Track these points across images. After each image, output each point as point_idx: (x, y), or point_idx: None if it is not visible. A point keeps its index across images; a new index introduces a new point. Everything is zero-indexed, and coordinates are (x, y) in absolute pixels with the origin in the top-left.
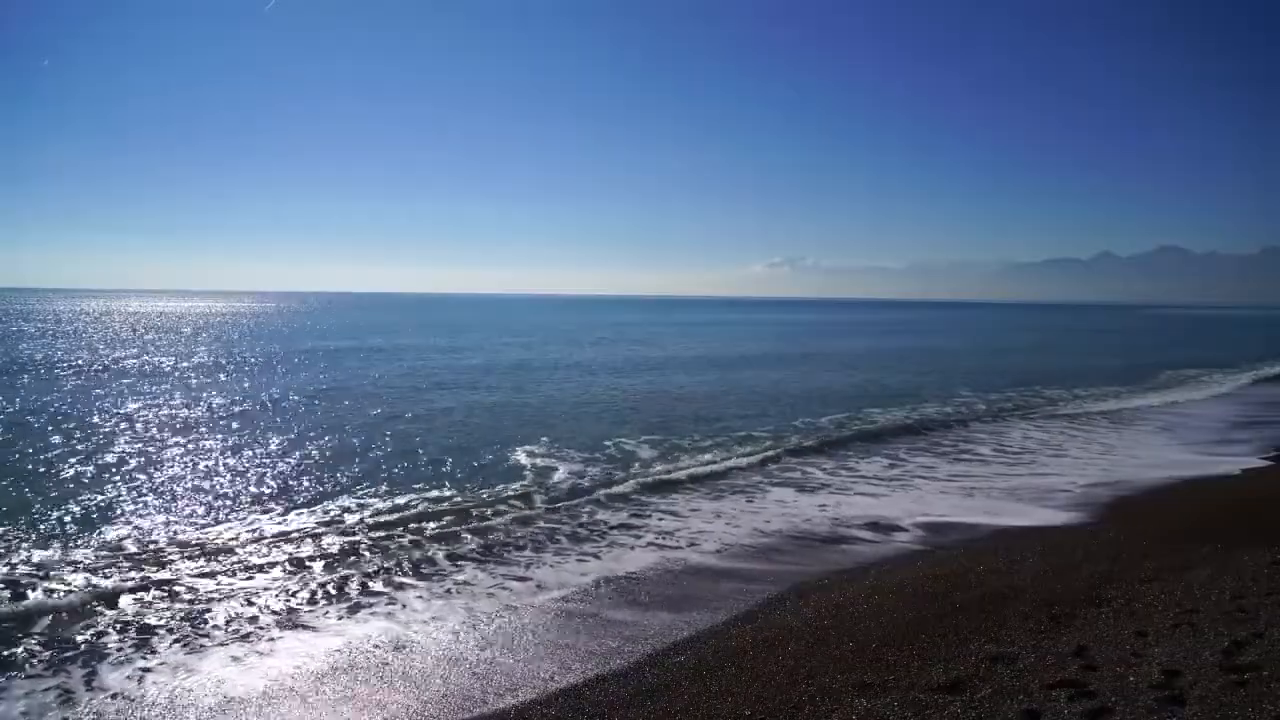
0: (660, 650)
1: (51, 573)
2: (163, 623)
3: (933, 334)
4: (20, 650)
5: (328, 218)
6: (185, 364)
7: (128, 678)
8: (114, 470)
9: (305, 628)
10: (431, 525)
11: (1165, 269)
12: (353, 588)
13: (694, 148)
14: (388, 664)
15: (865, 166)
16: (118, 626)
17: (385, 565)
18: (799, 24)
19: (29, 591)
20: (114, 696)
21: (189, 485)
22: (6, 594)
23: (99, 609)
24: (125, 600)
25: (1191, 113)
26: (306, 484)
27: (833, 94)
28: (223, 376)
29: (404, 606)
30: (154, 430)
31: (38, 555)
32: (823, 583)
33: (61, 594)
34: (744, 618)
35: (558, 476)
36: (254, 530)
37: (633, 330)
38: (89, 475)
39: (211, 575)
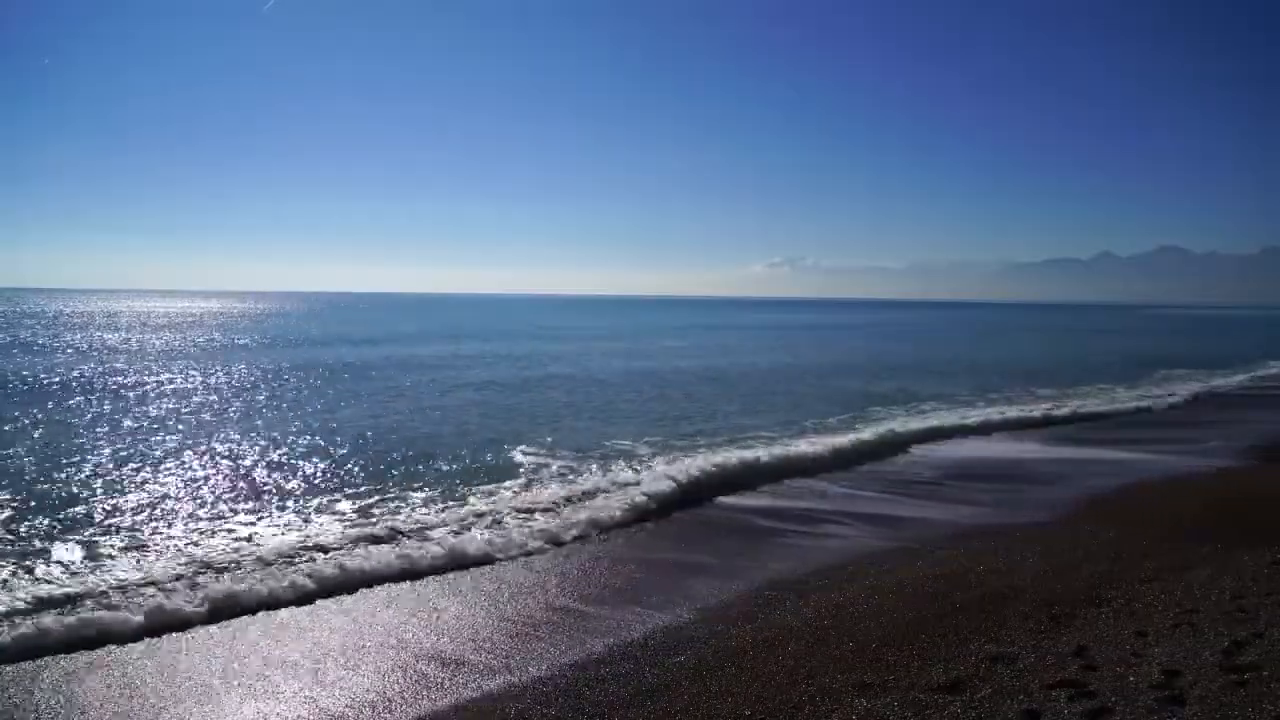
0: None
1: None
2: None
3: (933, 334)
4: None
5: (328, 218)
6: (189, 373)
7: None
8: (114, 473)
9: (275, 620)
10: (422, 521)
11: (1165, 269)
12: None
13: (694, 148)
14: (361, 655)
15: (865, 166)
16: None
17: (373, 558)
18: (799, 24)
19: None
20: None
21: (204, 488)
22: None
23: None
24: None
25: (1191, 113)
26: (277, 485)
27: (833, 94)
28: (219, 377)
29: (384, 596)
30: (150, 438)
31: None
32: (823, 582)
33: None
34: (745, 616)
35: (548, 473)
36: (216, 531)
37: (633, 330)
38: (82, 477)
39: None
